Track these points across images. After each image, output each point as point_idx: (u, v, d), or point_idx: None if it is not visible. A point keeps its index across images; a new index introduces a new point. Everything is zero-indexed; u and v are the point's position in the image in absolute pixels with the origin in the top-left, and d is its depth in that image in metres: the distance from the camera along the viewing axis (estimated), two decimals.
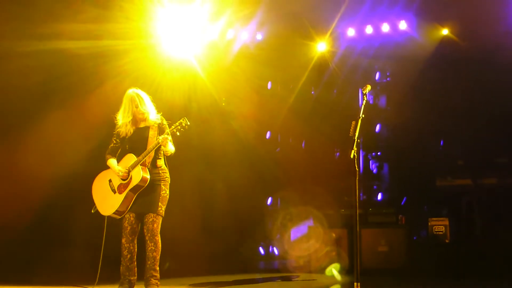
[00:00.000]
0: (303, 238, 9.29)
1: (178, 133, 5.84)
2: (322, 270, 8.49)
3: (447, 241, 8.29)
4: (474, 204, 8.77)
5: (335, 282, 7.89)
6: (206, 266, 8.87)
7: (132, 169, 5.84)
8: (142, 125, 6.03)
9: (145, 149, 5.87)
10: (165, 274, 6.12)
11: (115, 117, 6.06)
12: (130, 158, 5.90)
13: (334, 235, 8.65)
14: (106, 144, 6.17)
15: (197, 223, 9.37)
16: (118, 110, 6.08)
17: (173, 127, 5.83)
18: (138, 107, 5.93)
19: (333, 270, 8.42)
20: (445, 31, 9.26)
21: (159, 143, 5.79)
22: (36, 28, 8.13)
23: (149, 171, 5.87)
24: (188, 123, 5.82)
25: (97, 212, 6.02)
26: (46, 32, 8.14)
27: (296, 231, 9.84)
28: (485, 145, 8.89)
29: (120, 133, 6.00)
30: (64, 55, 8.32)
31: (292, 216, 10.06)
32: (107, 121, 6.44)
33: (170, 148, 5.91)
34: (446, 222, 8.36)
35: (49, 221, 8.48)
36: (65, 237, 8.58)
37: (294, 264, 9.19)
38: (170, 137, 5.84)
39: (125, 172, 5.84)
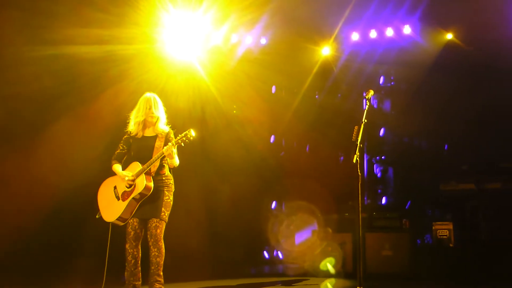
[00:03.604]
0: (307, 242, 9.30)
1: (183, 144, 5.85)
2: (325, 273, 8.51)
3: (451, 245, 8.30)
4: (478, 209, 8.73)
5: (330, 275, 8.11)
6: (210, 270, 8.89)
7: (136, 177, 5.87)
8: (150, 133, 6.07)
9: (150, 157, 5.90)
10: (169, 279, 6.14)
11: (128, 117, 6.10)
12: (136, 166, 5.93)
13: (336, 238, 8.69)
14: (113, 147, 6.20)
15: (202, 227, 9.39)
16: (123, 113, 6.17)
17: (178, 137, 5.83)
18: (151, 109, 5.98)
19: (328, 265, 8.48)
20: (449, 36, 9.29)
21: (163, 154, 5.82)
22: (44, 34, 8.14)
23: (153, 178, 5.90)
24: (193, 135, 5.80)
25: (102, 218, 6.05)
26: (53, 38, 8.16)
27: (301, 235, 9.85)
28: (489, 150, 8.89)
29: (131, 133, 6.04)
30: (72, 60, 8.34)
31: (296, 220, 10.07)
32: (112, 125, 6.47)
33: (176, 161, 5.95)
34: (450, 226, 8.37)
35: (57, 227, 8.47)
36: (72, 244, 8.59)
37: (298, 268, 9.20)
38: (175, 149, 5.85)
39: (130, 178, 5.87)
